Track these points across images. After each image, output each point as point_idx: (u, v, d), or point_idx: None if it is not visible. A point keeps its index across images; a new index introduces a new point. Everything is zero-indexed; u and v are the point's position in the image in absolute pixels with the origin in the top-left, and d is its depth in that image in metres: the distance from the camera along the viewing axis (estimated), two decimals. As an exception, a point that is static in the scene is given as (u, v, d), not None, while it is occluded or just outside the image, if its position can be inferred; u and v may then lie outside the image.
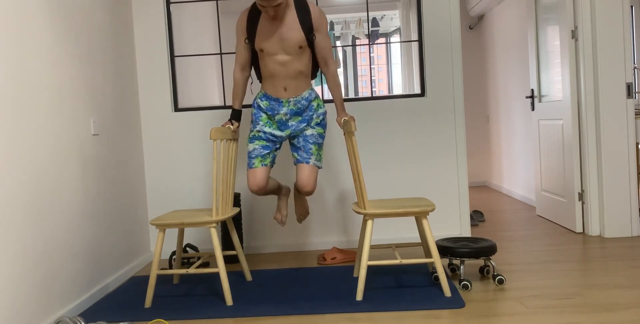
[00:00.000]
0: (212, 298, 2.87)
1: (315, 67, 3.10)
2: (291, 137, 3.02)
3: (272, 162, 3.01)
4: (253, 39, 2.92)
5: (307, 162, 2.94)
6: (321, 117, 3.01)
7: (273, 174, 3.85)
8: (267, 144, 2.97)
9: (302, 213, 3.21)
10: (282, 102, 2.95)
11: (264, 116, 3.00)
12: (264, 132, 2.98)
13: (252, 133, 3.00)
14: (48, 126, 2.59)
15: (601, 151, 3.76)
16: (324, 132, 3.03)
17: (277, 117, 2.97)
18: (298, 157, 2.97)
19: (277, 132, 2.98)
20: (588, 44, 3.78)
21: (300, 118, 2.98)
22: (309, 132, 2.98)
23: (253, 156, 2.96)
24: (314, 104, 3.00)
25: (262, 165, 2.94)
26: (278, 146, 3.02)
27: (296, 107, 2.95)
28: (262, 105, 2.99)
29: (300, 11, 2.87)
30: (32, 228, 2.41)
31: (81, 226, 2.86)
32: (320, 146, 3.00)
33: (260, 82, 3.08)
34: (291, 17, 2.86)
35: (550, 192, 4.40)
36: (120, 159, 3.42)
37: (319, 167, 2.98)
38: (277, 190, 3.16)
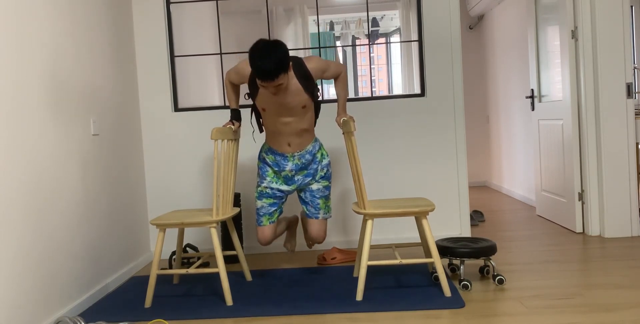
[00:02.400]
0: (212, 298, 2.87)
1: (317, 112, 3.06)
2: (298, 190, 3.07)
3: (280, 214, 3.08)
4: (254, 97, 2.87)
5: (317, 218, 3.03)
6: (325, 170, 3.04)
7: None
8: (275, 201, 3.03)
9: (312, 240, 3.25)
10: (287, 157, 2.97)
11: (270, 171, 3.02)
12: (271, 189, 3.02)
13: (260, 189, 3.03)
14: (48, 126, 2.59)
15: (601, 151, 3.76)
16: (329, 183, 3.07)
17: (283, 174, 3.00)
18: (307, 213, 3.05)
19: (284, 187, 3.02)
20: (588, 44, 3.78)
21: (305, 172, 3.01)
22: (314, 186, 3.02)
23: (261, 213, 3.02)
24: (318, 155, 3.03)
25: (269, 222, 3.03)
26: (284, 199, 3.08)
27: (301, 162, 2.98)
28: (267, 160, 3.02)
29: (300, 74, 2.78)
30: (32, 228, 2.41)
31: (81, 226, 2.86)
32: (327, 198, 3.06)
33: (260, 131, 3.09)
34: (293, 84, 2.77)
35: (550, 192, 4.40)
36: (120, 159, 3.42)
37: (329, 217, 3.06)
38: (285, 229, 3.23)
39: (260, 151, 3.08)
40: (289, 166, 2.98)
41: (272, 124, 2.92)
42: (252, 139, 3.80)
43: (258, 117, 3.06)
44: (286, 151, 2.97)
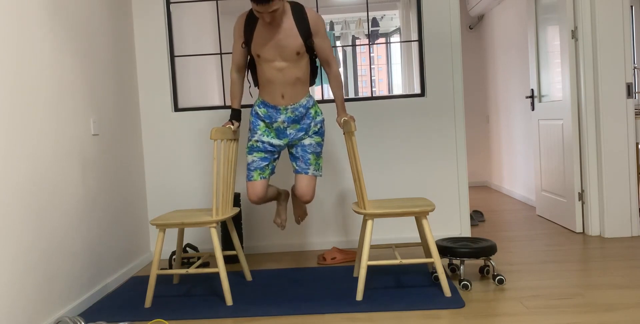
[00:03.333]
0: (212, 298, 2.87)
1: (314, 74, 3.08)
2: (289, 146, 3.02)
3: (271, 173, 3.02)
4: (250, 44, 2.90)
5: (306, 173, 2.96)
6: (319, 126, 3.00)
7: (272, 180, 3.85)
8: (266, 155, 2.97)
9: (301, 215, 3.24)
10: (280, 109, 2.94)
11: (261, 124, 2.99)
12: (262, 142, 2.97)
13: (251, 143, 2.99)
14: (48, 126, 2.59)
15: (601, 151, 3.76)
16: (322, 140, 3.03)
17: (275, 125, 2.96)
18: (297, 168, 2.98)
19: (275, 141, 2.97)
20: (588, 44, 3.78)
21: (298, 126, 2.97)
22: (307, 141, 2.98)
23: (252, 168, 2.97)
24: (312, 111, 2.99)
25: (260, 178, 2.96)
26: (276, 155, 3.02)
27: (294, 115, 2.95)
28: (260, 112, 2.98)
29: (298, 17, 2.83)
30: (32, 228, 2.41)
31: (81, 226, 2.86)
32: (318, 155, 3.00)
33: (258, 88, 3.07)
34: (288, 23, 2.82)
35: (550, 192, 4.40)
36: (120, 159, 3.42)
37: (319, 176, 2.98)
38: (276, 196, 3.18)
39: (253, 106, 3.04)
40: (282, 117, 2.94)
41: (267, 71, 2.90)
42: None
43: (254, 73, 3.06)
44: (279, 103, 2.93)
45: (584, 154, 3.86)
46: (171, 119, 3.86)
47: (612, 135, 3.74)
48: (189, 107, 3.90)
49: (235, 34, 2.97)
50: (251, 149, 2.98)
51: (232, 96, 3.08)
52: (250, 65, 3.06)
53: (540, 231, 4.12)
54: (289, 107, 2.94)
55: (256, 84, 3.07)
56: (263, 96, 2.99)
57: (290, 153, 3.03)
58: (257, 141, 2.97)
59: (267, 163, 2.97)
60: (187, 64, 4.32)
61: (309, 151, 2.97)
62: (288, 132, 2.97)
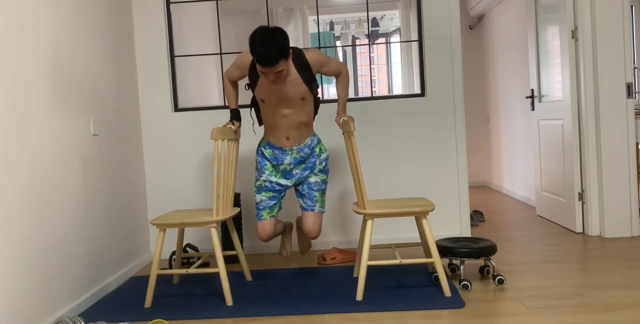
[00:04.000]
0: (212, 298, 2.87)
1: (316, 107, 3.07)
2: (296, 184, 3.04)
3: (279, 209, 3.05)
4: (254, 87, 2.86)
5: (313, 210, 2.99)
6: (324, 164, 3.02)
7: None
8: (274, 194, 3.00)
9: (305, 246, 3.26)
10: (286, 150, 2.95)
11: (268, 164, 3.00)
12: (270, 182, 2.99)
13: (259, 182, 3.01)
14: (48, 126, 2.59)
15: (601, 151, 3.76)
16: (327, 177, 3.05)
17: (281, 168, 2.98)
18: (303, 205, 3.01)
19: (283, 181, 3.00)
20: (588, 44, 3.78)
21: (303, 166, 2.99)
22: (312, 179, 3.00)
23: (261, 207, 3.00)
24: (317, 149, 3.01)
25: (270, 217, 3.00)
26: (283, 193, 3.05)
27: (299, 156, 2.96)
28: (266, 153, 3.00)
29: (299, 64, 2.77)
30: (32, 228, 2.41)
31: (81, 226, 2.86)
32: (323, 192, 3.04)
33: (260, 124, 3.08)
34: (292, 73, 2.76)
35: (550, 192, 4.40)
36: (120, 159, 3.42)
37: (323, 212, 3.03)
38: (282, 232, 3.20)
39: (259, 145, 3.06)
40: (288, 159, 2.96)
41: (271, 116, 2.90)
42: (252, 139, 3.80)
43: (257, 110, 3.05)
44: (284, 144, 2.95)
45: (584, 154, 3.86)
46: (171, 119, 3.86)
47: (612, 135, 3.74)
48: (189, 107, 3.90)
49: (240, 64, 2.90)
50: (259, 189, 3.00)
51: (228, 98, 3.09)
52: (253, 103, 3.05)
53: (540, 231, 4.12)
54: (294, 148, 2.95)
55: (260, 123, 3.07)
56: (268, 137, 3.00)
57: (297, 190, 3.06)
58: (265, 181, 3.00)
59: (275, 202, 3.01)
60: (187, 64, 4.32)
61: (315, 188, 3.00)
62: (294, 173, 2.99)
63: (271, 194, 3.00)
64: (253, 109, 3.07)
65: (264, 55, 2.53)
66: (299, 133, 2.94)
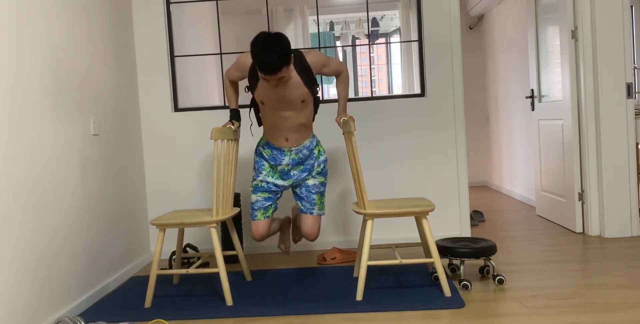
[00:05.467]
0: (212, 298, 2.87)
1: (316, 106, 3.06)
2: (293, 186, 3.04)
3: (275, 210, 3.05)
4: (253, 89, 2.86)
5: (311, 213, 2.99)
6: (322, 166, 3.02)
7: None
8: (270, 195, 3.00)
9: (299, 238, 3.26)
10: (284, 151, 2.95)
11: (266, 164, 3.00)
12: (267, 182, 2.99)
13: (255, 182, 3.01)
14: (48, 126, 2.59)
15: (601, 151, 3.76)
16: (326, 180, 3.05)
17: (279, 168, 2.98)
18: (302, 208, 3.01)
19: (280, 182, 2.99)
20: (588, 44, 3.78)
21: (302, 167, 2.99)
22: (310, 182, 2.99)
23: (256, 208, 3.00)
24: (315, 151, 3.01)
25: (264, 217, 3.00)
26: (279, 195, 3.05)
27: (298, 157, 2.96)
28: (264, 153, 3.00)
29: (300, 67, 2.76)
30: (33, 228, 2.41)
31: (81, 226, 2.86)
32: (322, 194, 3.03)
33: (259, 125, 3.08)
34: (293, 76, 2.76)
35: (550, 192, 4.40)
36: (120, 159, 3.42)
37: (322, 215, 3.02)
38: (279, 228, 3.20)
39: (257, 145, 3.06)
40: (286, 160, 2.96)
41: (271, 118, 2.90)
42: (252, 139, 3.80)
43: (257, 111, 3.05)
44: (283, 145, 2.95)
45: (584, 154, 3.86)
46: (171, 119, 3.86)
47: (612, 135, 3.74)
48: (189, 107, 3.90)
49: (239, 65, 2.89)
50: (256, 189, 3.01)
51: (228, 98, 3.09)
52: (252, 104, 3.05)
53: (540, 231, 4.12)
54: (293, 149, 2.95)
55: (260, 123, 3.07)
56: (267, 137, 3.00)
57: (295, 193, 3.05)
58: (261, 181, 2.99)
59: (270, 203, 3.01)
60: (187, 64, 4.32)
61: (313, 191, 2.99)
62: (292, 174, 2.99)
63: (267, 195, 2.99)
64: (252, 109, 3.07)
65: (267, 63, 2.52)
66: (298, 135, 2.93)
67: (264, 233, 3.00)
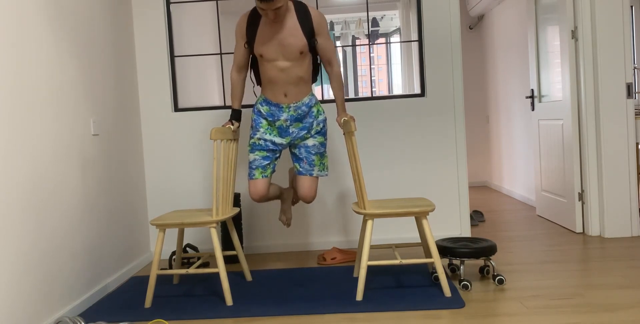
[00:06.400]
0: (212, 298, 2.87)
1: (316, 72, 3.08)
2: (292, 146, 3.00)
3: (273, 171, 3.02)
4: (252, 43, 2.89)
5: (311, 175, 2.96)
6: (321, 125, 3.00)
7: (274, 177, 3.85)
8: (267, 154, 2.97)
9: (296, 200, 3.24)
10: (283, 107, 2.93)
11: (264, 122, 2.98)
12: (265, 140, 2.96)
13: (252, 140, 2.99)
14: (48, 126, 2.59)
15: (601, 151, 3.76)
16: (325, 140, 3.02)
17: (277, 124, 2.95)
18: (300, 169, 2.97)
19: (278, 139, 2.96)
20: (588, 44, 3.78)
21: (300, 125, 2.96)
22: (310, 142, 2.97)
23: (253, 166, 2.96)
24: (314, 110, 2.99)
25: (262, 176, 2.96)
26: (278, 155, 3.02)
27: (296, 113, 2.94)
28: (262, 110, 2.97)
29: (301, 16, 2.82)
30: (32, 228, 2.41)
31: (81, 226, 2.86)
32: (322, 155, 3.00)
33: (260, 86, 3.07)
34: (292, 22, 2.81)
35: (550, 192, 4.40)
36: (120, 159, 3.42)
37: (324, 176, 2.97)
38: (279, 195, 3.17)
39: (255, 103, 3.04)
40: (284, 116, 2.94)
41: (270, 70, 2.89)
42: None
43: (257, 71, 3.05)
44: (282, 101, 2.93)
45: (584, 154, 3.86)
46: (171, 119, 3.86)
47: (612, 135, 3.74)
48: (189, 107, 3.90)
49: (237, 34, 2.96)
50: (253, 147, 2.98)
51: (232, 97, 3.08)
52: (252, 64, 3.06)
53: (540, 231, 4.12)
54: (292, 105, 2.93)
55: (259, 82, 3.07)
56: (265, 94, 2.98)
57: (293, 154, 3.01)
58: (259, 139, 2.97)
59: (268, 162, 2.96)
60: (187, 64, 4.32)
61: (313, 152, 2.97)
62: (290, 131, 2.96)
63: (265, 153, 2.96)
64: (252, 71, 3.08)
65: None
66: (297, 90, 2.92)
67: (263, 193, 2.94)
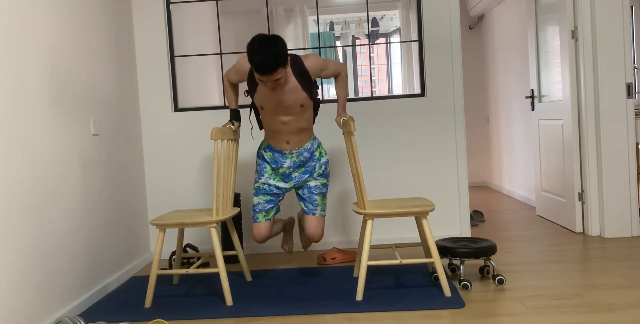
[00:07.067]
0: (212, 298, 2.87)
1: (315, 112, 3.06)
2: (296, 188, 3.05)
3: (276, 212, 3.06)
4: (253, 94, 2.86)
5: (314, 214, 3.00)
6: (323, 168, 3.02)
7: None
8: (271, 198, 3.01)
9: (307, 242, 3.26)
10: (285, 154, 2.96)
11: (268, 167, 3.01)
12: (269, 185, 3.00)
13: (257, 184, 3.02)
14: (48, 126, 2.59)
15: (601, 151, 3.76)
16: (327, 181, 3.05)
17: (281, 171, 2.99)
18: (305, 209, 3.02)
19: (281, 184, 3.01)
20: (588, 44, 3.78)
21: (303, 169, 3.00)
22: (312, 183, 3.00)
23: (257, 210, 3.01)
24: (317, 153, 3.01)
25: (265, 220, 3.01)
26: (281, 197, 3.06)
27: (299, 160, 2.97)
28: (266, 156, 3.01)
29: (298, 71, 2.76)
30: (32, 228, 2.41)
31: (81, 226, 2.86)
32: (324, 195, 3.04)
33: (260, 128, 3.08)
34: (291, 81, 2.75)
35: (550, 192, 4.40)
36: (120, 159, 3.42)
37: (323, 216, 3.03)
38: (282, 229, 3.20)
39: (259, 148, 3.07)
40: (287, 163, 2.97)
41: (271, 123, 2.91)
42: (251, 139, 3.80)
43: (257, 114, 3.05)
44: (284, 148, 2.96)
45: (584, 154, 3.86)
46: (171, 119, 3.86)
47: (612, 135, 3.74)
48: (189, 107, 3.90)
49: (239, 69, 2.89)
50: (257, 191, 3.02)
51: (228, 99, 3.09)
52: (253, 107, 3.05)
53: (540, 231, 4.12)
54: (294, 151, 2.96)
55: (261, 127, 3.07)
56: (268, 140, 3.01)
57: (298, 194, 3.06)
58: (263, 184, 3.01)
59: (272, 205, 3.02)
60: (187, 64, 4.32)
61: (315, 192, 3.00)
62: (293, 176, 3.00)
63: (268, 197, 3.01)
64: (252, 112, 3.07)
65: (262, 63, 2.53)
66: (298, 138, 2.94)
67: (265, 235, 3.02)
